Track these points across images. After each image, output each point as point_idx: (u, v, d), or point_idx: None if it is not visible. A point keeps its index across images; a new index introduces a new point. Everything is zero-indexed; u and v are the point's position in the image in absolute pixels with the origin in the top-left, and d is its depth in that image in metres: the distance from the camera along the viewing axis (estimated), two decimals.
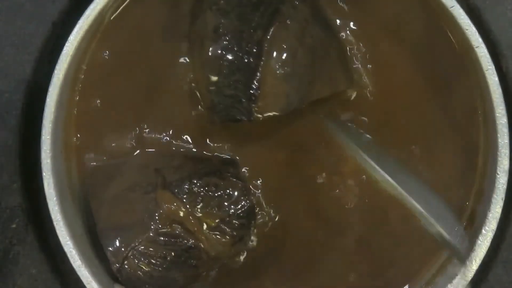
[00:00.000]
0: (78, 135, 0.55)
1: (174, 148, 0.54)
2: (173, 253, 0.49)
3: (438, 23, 0.54)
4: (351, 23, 0.54)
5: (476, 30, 0.52)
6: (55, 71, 0.53)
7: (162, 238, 0.49)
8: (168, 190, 0.50)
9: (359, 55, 0.54)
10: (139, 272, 0.49)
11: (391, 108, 0.54)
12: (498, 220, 0.51)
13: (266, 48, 0.50)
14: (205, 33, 0.51)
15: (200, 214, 0.49)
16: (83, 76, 0.55)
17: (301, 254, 0.53)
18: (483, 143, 0.53)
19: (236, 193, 0.50)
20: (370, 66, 0.54)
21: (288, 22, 0.50)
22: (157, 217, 0.49)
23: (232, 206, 0.50)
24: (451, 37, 0.54)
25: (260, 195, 0.54)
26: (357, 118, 0.54)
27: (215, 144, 0.54)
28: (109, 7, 0.55)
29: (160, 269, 0.49)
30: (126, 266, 0.49)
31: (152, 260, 0.49)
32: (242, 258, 0.53)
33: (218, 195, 0.50)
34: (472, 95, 0.53)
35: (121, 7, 0.55)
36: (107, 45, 0.55)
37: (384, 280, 0.53)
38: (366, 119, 0.54)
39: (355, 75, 0.54)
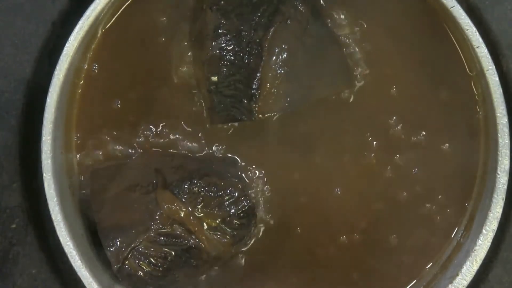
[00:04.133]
0: (78, 135, 0.55)
1: (174, 148, 0.54)
2: (173, 253, 0.49)
3: (438, 23, 0.54)
4: (352, 23, 0.54)
5: (476, 30, 0.52)
6: (55, 72, 0.53)
7: (162, 238, 0.49)
8: (169, 190, 0.50)
9: (359, 54, 0.54)
10: (139, 272, 0.49)
11: (390, 106, 0.54)
12: (498, 220, 0.51)
13: (266, 48, 0.50)
14: (205, 33, 0.51)
15: (201, 214, 0.49)
16: (83, 76, 0.55)
17: (302, 253, 0.53)
18: (483, 143, 0.53)
19: (236, 193, 0.50)
20: (370, 65, 0.54)
21: (289, 22, 0.50)
22: (157, 217, 0.49)
23: (232, 206, 0.50)
24: (452, 37, 0.54)
25: (260, 194, 0.54)
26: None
27: (215, 144, 0.54)
28: (109, 8, 0.55)
29: (160, 269, 0.49)
30: (126, 266, 0.49)
31: (153, 260, 0.49)
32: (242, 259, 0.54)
33: (218, 195, 0.50)
34: (472, 96, 0.54)
35: (121, 9, 0.56)
36: (107, 46, 0.55)
37: (387, 278, 0.53)
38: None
39: (354, 74, 0.54)
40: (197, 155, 0.54)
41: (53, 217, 0.52)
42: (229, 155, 0.54)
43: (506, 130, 0.51)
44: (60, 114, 0.53)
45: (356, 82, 0.54)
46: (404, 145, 0.53)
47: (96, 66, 0.55)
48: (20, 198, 0.55)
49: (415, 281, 0.53)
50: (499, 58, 0.56)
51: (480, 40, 0.52)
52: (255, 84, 0.50)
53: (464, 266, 0.51)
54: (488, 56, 0.52)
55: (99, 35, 0.56)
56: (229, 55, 0.50)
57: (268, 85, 0.50)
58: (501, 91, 0.52)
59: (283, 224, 0.54)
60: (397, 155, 0.53)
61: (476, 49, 0.52)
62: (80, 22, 0.54)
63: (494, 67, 0.52)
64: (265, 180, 0.54)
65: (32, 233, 0.55)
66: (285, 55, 0.50)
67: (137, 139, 0.54)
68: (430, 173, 0.53)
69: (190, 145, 0.54)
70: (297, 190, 0.54)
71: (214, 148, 0.54)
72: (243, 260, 0.53)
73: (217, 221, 0.50)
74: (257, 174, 0.54)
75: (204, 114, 0.54)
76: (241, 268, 0.53)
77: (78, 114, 0.55)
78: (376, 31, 0.54)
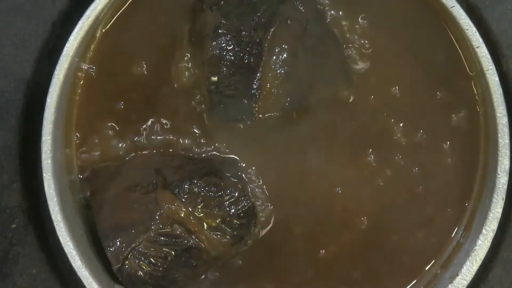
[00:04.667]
0: (78, 135, 0.55)
1: (174, 148, 0.54)
2: (173, 253, 0.49)
3: (438, 23, 0.54)
4: (352, 23, 0.54)
5: (476, 30, 0.52)
6: (55, 72, 0.53)
7: (162, 238, 0.49)
8: (169, 190, 0.50)
9: (359, 54, 0.54)
10: (139, 272, 0.49)
11: (391, 106, 0.54)
12: (498, 220, 0.51)
13: (266, 48, 0.50)
14: (205, 33, 0.51)
15: (201, 214, 0.49)
16: (83, 76, 0.55)
17: (302, 253, 0.53)
18: (483, 143, 0.53)
19: (236, 193, 0.50)
20: (370, 65, 0.54)
21: (289, 22, 0.50)
22: (157, 217, 0.49)
23: (232, 206, 0.50)
24: (452, 37, 0.54)
25: (260, 194, 0.54)
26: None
27: (215, 144, 0.54)
28: (109, 8, 0.55)
29: (160, 269, 0.49)
30: (126, 266, 0.49)
31: (153, 260, 0.49)
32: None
33: (218, 195, 0.50)
34: (472, 96, 0.54)
35: (121, 9, 0.56)
36: (107, 46, 0.55)
37: (387, 278, 0.53)
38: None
39: (354, 74, 0.54)
40: (197, 155, 0.54)
41: (53, 217, 0.52)
42: (229, 155, 0.54)
43: (506, 130, 0.51)
44: (60, 114, 0.53)
45: (356, 82, 0.54)
46: (404, 145, 0.53)
47: (95, 67, 0.55)
48: (20, 198, 0.55)
49: (415, 281, 0.53)
50: (499, 58, 0.56)
51: (480, 40, 0.52)
52: (255, 84, 0.50)
53: (464, 266, 0.51)
54: (488, 56, 0.52)
55: (99, 35, 0.56)
56: (229, 55, 0.50)
57: (268, 85, 0.50)
58: (501, 91, 0.52)
59: (283, 224, 0.54)
60: (397, 155, 0.53)
61: (476, 49, 0.52)
62: (80, 22, 0.54)
63: (494, 67, 0.52)
64: (265, 179, 0.54)
65: (32, 233, 0.55)
66: (285, 55, 0.50)
67: (137, 139, 0.54)
68: (430, 173, 0.53)
69: (190, 145, 0.54)
70: (297, 190, 0.54)
71: (214, 148, 0.54)
72: (244, 260, 0.53)
73: (217, 221, 0.50)
74: (257, 174, 0.54)
75: (204, 114, 0.54)
76: (241, 268, 0.53)
77: (78, 114, 0.55)
78: (376, 31, 0.54)
